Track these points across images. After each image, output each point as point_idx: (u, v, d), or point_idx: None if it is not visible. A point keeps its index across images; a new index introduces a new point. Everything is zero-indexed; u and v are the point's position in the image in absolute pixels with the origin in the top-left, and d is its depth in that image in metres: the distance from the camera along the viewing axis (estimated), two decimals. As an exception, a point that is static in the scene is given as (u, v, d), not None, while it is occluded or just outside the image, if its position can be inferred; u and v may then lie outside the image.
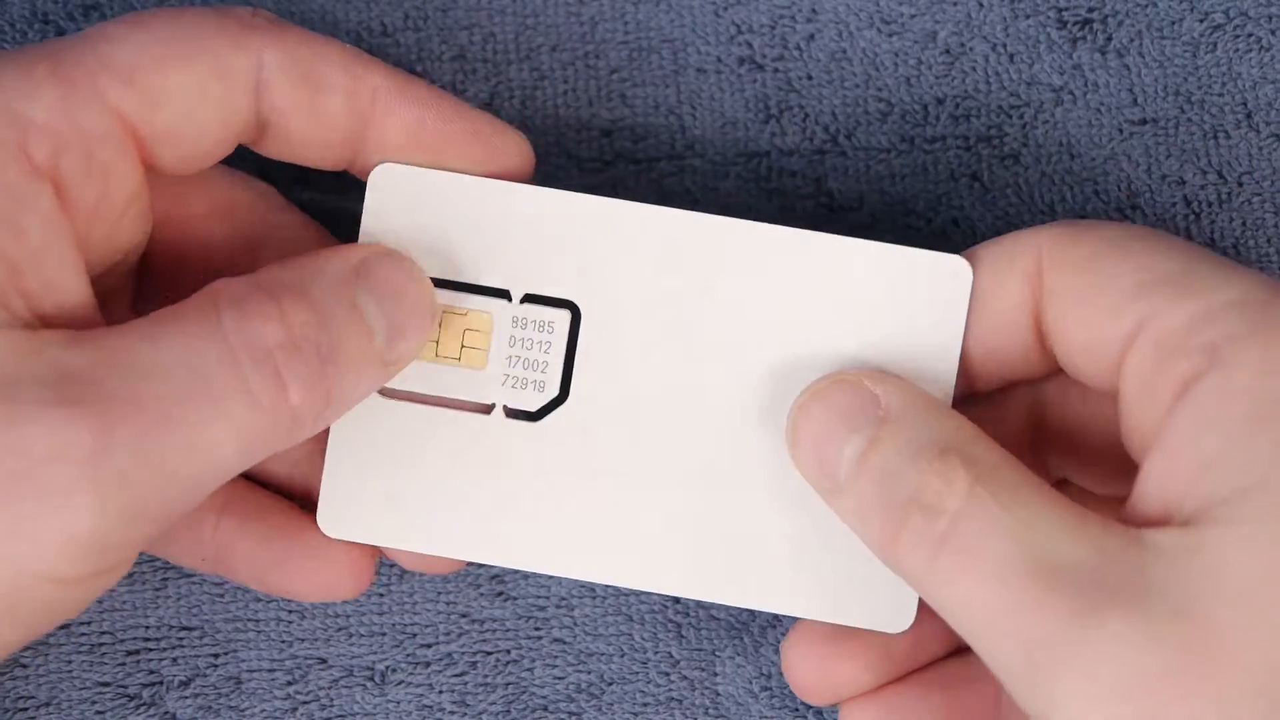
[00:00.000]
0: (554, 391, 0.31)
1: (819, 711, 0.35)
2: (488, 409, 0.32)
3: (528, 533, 0.32)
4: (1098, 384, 0.30)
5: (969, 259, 0.31)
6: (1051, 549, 0.26)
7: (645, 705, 0.36)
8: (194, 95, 0.28)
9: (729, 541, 0.31)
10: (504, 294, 0.31)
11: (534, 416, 0.31)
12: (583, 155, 0.36)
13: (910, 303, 0.31)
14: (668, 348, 0.31)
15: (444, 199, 0.31)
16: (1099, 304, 0.29)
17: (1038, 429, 0.33)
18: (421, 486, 0.32)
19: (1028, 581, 0.26)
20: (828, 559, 0.31)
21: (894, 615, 0.31)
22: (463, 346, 0.31)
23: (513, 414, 0.32)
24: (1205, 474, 0.26)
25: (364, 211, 0.31)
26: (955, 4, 0.36)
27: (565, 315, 0.31)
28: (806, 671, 0.31)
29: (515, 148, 0.31)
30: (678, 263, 0.31)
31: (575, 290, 0.31)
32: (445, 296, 0.31)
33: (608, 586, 0.36)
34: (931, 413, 0.29)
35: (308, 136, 0.30)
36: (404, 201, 0.31)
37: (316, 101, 0.29)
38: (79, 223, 0.28)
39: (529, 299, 0.31)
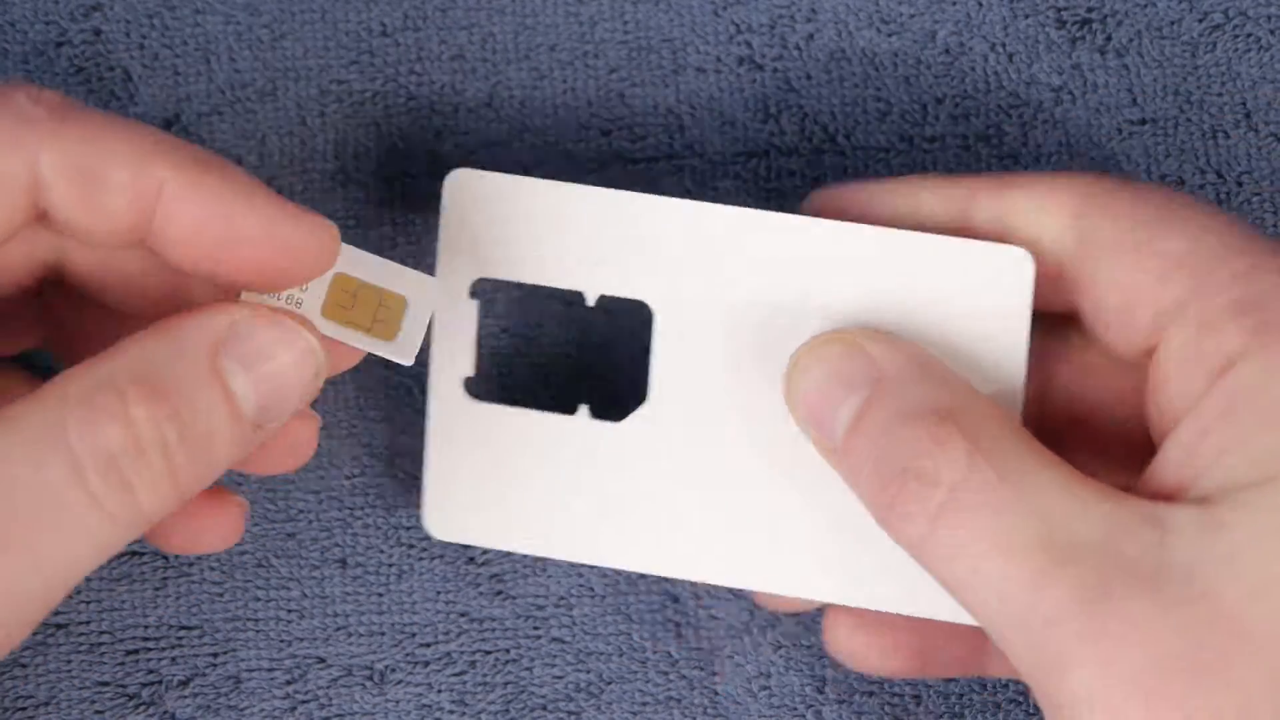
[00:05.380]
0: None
1: (818, 712, 0.35)
2: (572, 410, 0.33)
3: (617, 532, 0.32)
4: (1119, 345, 0.29)
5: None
6: (1058, 523, 0.25)
7: (644, 705, 0.35)
8: None
9: (810, 535, 0.31)
10: (577, 296, 0.32)
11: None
12: (581, 155, 0.36)
13: (974, 295, 0.30)
14: (741, 344, 0.32)
15: (518, 201, 0.32)
16: (1145, 266, 0.28)
17: (1041, 406, 0.32)
18: (516, 487, 0.33)
19: (1034, 557, 0.25)
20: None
21: None
22: None
23: (597, 414, 0.32)
24: (1232, 455, 0.26)
25: (441, 219, 0.32)
26: (954, 4, 0.36)
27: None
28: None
29: (308, 243, 0.28)
30: (747, 260, 0.31)
31: (649, 290, 0.32)
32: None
33: (606, 585, 0.36)
34: (930, 375, 0.28)
35: (90, 230, 0.28)
36: (479, 206, 0.32)
37: (97, 199, 0.27)
38: None
39: (604, 299, 0.32)
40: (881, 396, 0.28)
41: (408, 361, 0.30)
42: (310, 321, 0.29)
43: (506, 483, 0.33)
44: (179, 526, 0.31)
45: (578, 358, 0.36)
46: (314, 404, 0.31)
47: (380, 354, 0.30)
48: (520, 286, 0.32)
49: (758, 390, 0.31)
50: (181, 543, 0.31)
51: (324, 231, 0.28)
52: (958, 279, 0.31)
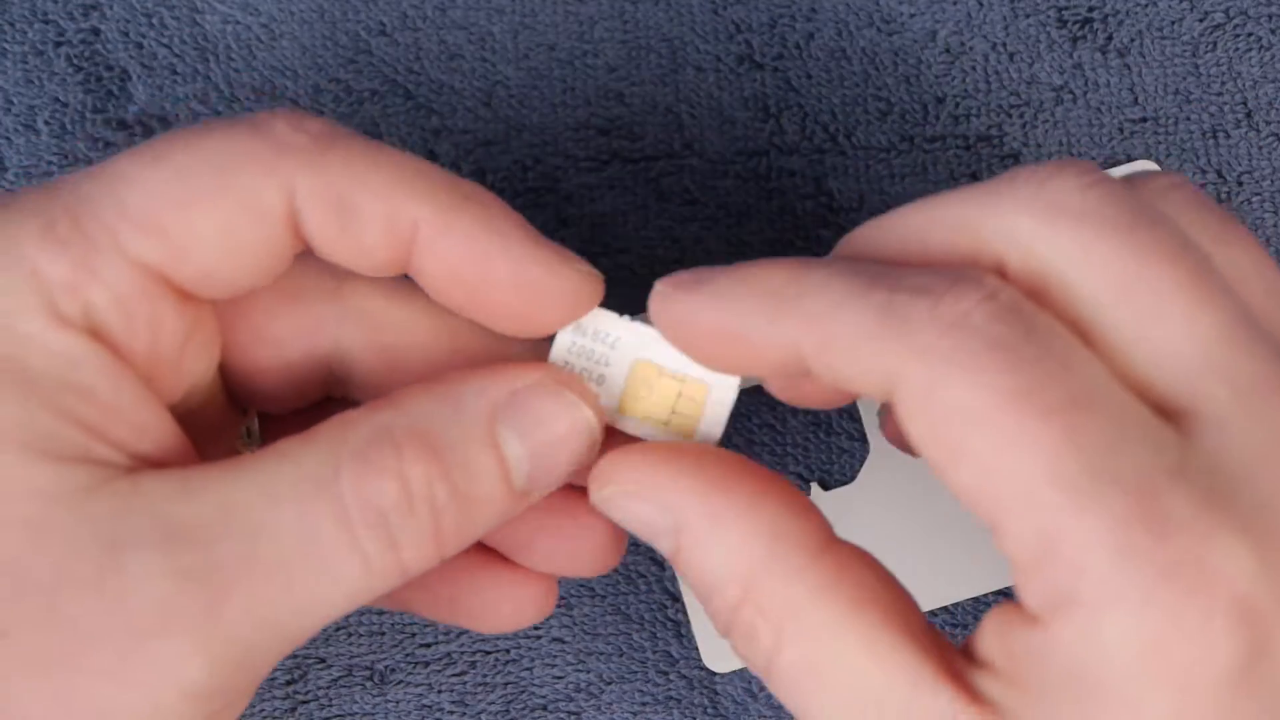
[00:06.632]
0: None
1: (817, 711, 0.35)
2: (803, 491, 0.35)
3: None
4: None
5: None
6: None
7: (644, 704, 0.36)
8: (221, 238, 0.26)
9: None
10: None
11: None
12: (580, 154, 0.36)
13: None
14: None
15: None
16: None
17: None
18: None
19: None
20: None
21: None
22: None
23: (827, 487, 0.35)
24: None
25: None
26: (955, 3, 0.36)
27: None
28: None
29: (562, 289, 0.27)
30: None
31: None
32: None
33: (607, 585, 0.36)
34: (728, 530, 0.26)
35: (349, 261, 0.28)
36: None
37: (351, 232, 0.27)
38: (139, 369, 0.27)
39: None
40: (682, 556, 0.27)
41: None
42: (592, 393, 0.28)
43: None
44: (490, 607, 0.31)
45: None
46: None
47: None
48: None
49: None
50: (494, 621, 0.31)
51: (579, 279, 0.27)
52: None
